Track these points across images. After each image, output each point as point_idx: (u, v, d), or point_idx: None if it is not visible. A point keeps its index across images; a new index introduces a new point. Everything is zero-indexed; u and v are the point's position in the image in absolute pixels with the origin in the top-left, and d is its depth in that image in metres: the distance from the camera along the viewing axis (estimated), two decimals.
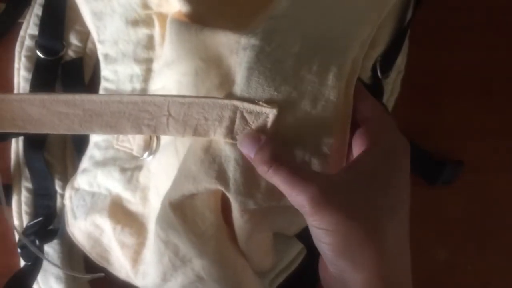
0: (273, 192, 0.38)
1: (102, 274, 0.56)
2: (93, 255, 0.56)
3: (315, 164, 0.38)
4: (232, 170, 0.39)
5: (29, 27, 0.60)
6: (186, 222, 0.42)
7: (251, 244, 0.45)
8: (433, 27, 0.62)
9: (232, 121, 0.38)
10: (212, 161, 0.39)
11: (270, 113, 0.37)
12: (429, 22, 0.62)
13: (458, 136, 0.63)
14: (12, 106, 0.43)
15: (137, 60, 0.53)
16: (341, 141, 0.38)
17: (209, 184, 0.39)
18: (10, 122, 0.43)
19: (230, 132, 0.38)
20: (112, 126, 0.41)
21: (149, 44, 0.52)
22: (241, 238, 0.44)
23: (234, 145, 0.39)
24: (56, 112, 0.42)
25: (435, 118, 0.63)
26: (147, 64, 0.53)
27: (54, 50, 0.59)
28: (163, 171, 0.48)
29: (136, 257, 0.52)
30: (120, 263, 0.54)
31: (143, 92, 0.52)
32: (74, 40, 0.60)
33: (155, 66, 0.52)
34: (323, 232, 0.35)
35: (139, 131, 0.40)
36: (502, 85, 0.63)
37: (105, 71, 0.56)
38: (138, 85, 0.54)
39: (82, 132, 0.43)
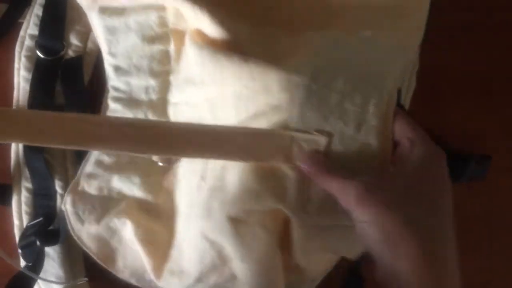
0: (326, 208, 0.45)
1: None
2: (99, 256, 0.57)
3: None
4: (291, 189, 0.46)
5: (29, 27, 0.60)
6: (239, 234, 0.47)
7: (309, 260, 0.51)
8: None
9: (290, 149, 0.44)
10: (274, 182, 0.46)
11: (321, 141, 0.44)
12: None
13: (457, 136, 0.63)
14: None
15: (152, 74, 0.56)
16: (384, 157, 0.45)
17: (271, 202, 0.46)
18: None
19: (289, 158, 0.45)
20: (175, 148, 0.47)
21: (165, 58, 0.56)
22: (297, 252, 0.50)
23: (293, 168, 0.46)
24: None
25: (436, 118, 0.63)
26: (163, 77, 0.56)
27: (54, 50, 0.59)
28: (189, 178, 0.53)
29: (162, 256, 0.54)
30: (125, 263, 0.56)
31: (161, 102, 0.57)
32: (74, 40, 0.60)
33: (172, 79, 0.56)
34: (366, 225, 0.41)
35: (202, 156, 0.47)
36: (502, 85, 0.63)
37: (115, 82, 0.58)
38: (154, 96, 0.57)
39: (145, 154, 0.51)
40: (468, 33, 0.63)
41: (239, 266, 0.48)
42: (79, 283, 0.59)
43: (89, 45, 0.61)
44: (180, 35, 0.56)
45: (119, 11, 0.56)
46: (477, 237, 0.61)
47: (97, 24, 0.57)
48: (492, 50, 0.63)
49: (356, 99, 0.44)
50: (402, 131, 0.45)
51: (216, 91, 0.49)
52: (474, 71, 0.63)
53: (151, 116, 0.57)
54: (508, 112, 0.63)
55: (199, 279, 0.51)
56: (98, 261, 0.56)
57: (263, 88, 0.45)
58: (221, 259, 0.49)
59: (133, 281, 0.56)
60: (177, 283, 0.53)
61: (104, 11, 0.56)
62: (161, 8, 0.55)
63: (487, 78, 0.63)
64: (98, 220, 0.56)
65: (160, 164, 0.56)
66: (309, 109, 0.44)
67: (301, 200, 0.46)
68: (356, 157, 0.45)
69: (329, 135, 0.44)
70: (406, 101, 0.59)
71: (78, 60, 0.60)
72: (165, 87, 0.57)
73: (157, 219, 0.56)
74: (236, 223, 0.47)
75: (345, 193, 0.42)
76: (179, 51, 0.56)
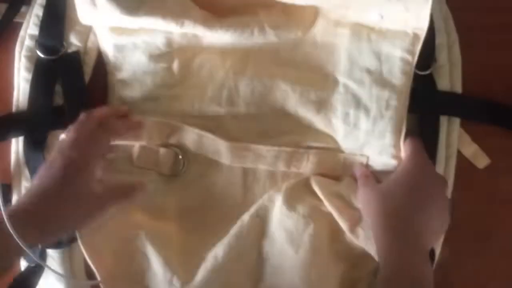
0: None
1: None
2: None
3: None
4: None
5: (29, 27, 0.60)
6: None
7: None
8: None
9: (345, 164, 0.61)
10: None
11: (364, 160, 0.60)
12: None
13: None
14: None
15: (156, 88, 0.60)
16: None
17: None
18: None
19: (345, 170, 0.61)
20: (271, 164, 0.61)
21: (168, 75, 0.60)
22: None
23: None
24: None
25: None
26: (165, 92, 0.61)
27: (54, 49, 0.60)
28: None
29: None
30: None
31: (167, 115, 0.61)
32: (74, 40, 0.60)
33: (175, 93, 0.61)
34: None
35: (288, 168, 0.61)
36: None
37: (121, 95, 0.61)
38: (159, 109, 0.61)
39: None
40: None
41: None
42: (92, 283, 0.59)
43: (89, 45, 0.61)
44: (184, 54, 0.60)
45: (129, 31, 0.59)
46: (477, 237, 0.61)
47: (106, 41, 0.60)
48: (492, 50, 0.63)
49: (376, 135, 0.58)
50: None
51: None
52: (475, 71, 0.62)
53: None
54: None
55: None
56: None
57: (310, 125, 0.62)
58: None
59: None
60: None
61: (114, 30, 0.59)
62: (168, 31, 0.58)
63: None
64: None
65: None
66: (348, 142, 0.60)
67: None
68: (381, 169, 0.60)
69: (367, 157, 0.60)
70: (457, 80, 0.60)
71: (76, 55, 0.60)
72: (170, 101, 0.61)
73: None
74: None
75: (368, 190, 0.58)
76: (182, 68, 0.60)
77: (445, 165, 0.60)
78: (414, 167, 0.56)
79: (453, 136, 0.61)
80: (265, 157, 0.60)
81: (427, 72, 0.59)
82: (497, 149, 0.61)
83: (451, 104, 0.60)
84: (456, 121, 0.61)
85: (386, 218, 0.53)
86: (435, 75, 0.60)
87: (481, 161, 0.62)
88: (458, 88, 0.61)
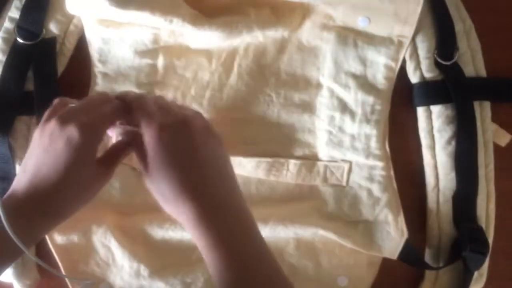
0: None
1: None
2: None
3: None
4: None
5: (11, 9, 0.60)
6: None
7: None
8: None
9: (325, 172, 0.60)
10: None
11: (346, 166, 0.60)
12: None
13: None
14: None
15: (138, 84, 0.60)
16: (387, 170, 0.60)
17: None
18: None
19: (324, 179, 0.60)
20: (251, 173, 0.60)
21: (152, 71, 0.60)
22: None
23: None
24: None
25: None
26: (149, 89, 0.60)
27: (33, 35, 0.59)
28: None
29: None
30: None
31: None
32: (53, 28, 0.60)
33: (157, 91, 0.60)
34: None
35: (268, 177, 0.60)
36: None
37: (101, 87, 0.60)
38: None
39: None
40: None
41: None
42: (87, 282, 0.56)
43: (68, 35, 0.61)
44: (169, 53, 0.61)
45: (116, 25, 0.59)
46: None
47: (92, 33, 0.60)
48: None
49: (362, 139, 0.60)
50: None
51: None
52: None
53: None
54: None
55: None
56: None
57: (298, 129, 0.61)
58: None
59: None
60: None
61: (102, 22, 0.60)
62: (156, 27, 0.59)
63: None
64: None
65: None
66: (333, 148, 0.60)
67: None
68: (366, 174, 0.60)
69: (350, 162, 0.60)
70: (479, 66, 0.61)
71: (52, 42, 0.59)
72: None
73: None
74: None
75: None
76: (167, 67, 0.60)
77: (484, 151, 0.59)
78: (154, 139, 0.45)
79: (487, 121, 0.60)
80: (244, 166, 0.59)
81: (453, 61, 0.59)
82: (497, 150, 0.60)
83: (482, 88, 0.60)
84: (487, 106, 0.60)
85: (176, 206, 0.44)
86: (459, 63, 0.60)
87: (503, 138, 0.62)
88: (483, 73, 0.61)
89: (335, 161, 0.60)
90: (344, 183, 0.60)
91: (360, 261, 0.59)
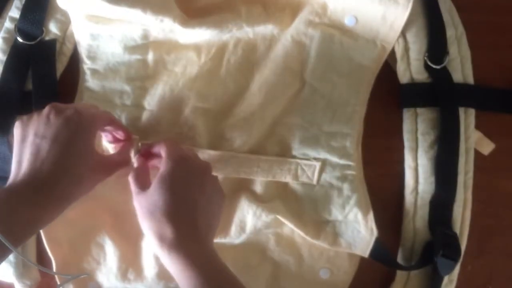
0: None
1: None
2: None
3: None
4: None
5: (11, 9, 0.61)
6: None
7: None
8: None
9: (296, 170, 0.60)
10: None
11: (317, 165, 0.60)
12: None
13: None
14: None
15: (128, 80, 0.60)
16: (358, 172, 0.61)
17: None
18: None
19: (295, 177, 0.60)
20: (220, 169, 0.60)
21: (142, 67, 0.60)
22: None
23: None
24: None
25: None
26: (139, 84, 0.60)
27: (33, 35, 0.60)
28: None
29: None
30: None
31: (136, 107, 0.61)
32: (53, 28, 0.61)
33: (148, 87, 0.60)
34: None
35: (238, 175, 0.60)
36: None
37: (91, 84, 0.61)
38: (128, 102, 0.60)
39: None
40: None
41: None
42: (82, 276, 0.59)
43: (68, 34, 0.61)
44: (159, 48, 0.60)
45: (106, 21, 0.59)
46: (477, 237, 0.61)
47: (81, 29, 0.60)
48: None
49: (338, 137, 0.60)
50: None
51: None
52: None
53: (124, 119, 0.60)
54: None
55: None
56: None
57: (276, 131, 0.61)
58: None
59: None
60: None
61: (91, 18, 0.59)
62: (146, 23, 0.59)
63: None
64: None
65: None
66: (307, 145, 0.60)
67: None
68: (340, 172, 0.61)
69: (322, 161, 0.60)
70: (468, 74, 0.61)
71: (52, 43, 0.60)
72: (140, 94, 0.60)
73: None
74: None
75: None
76: (156, 62, 0.60)
77: (465, 158, 0.60)
78: (170, 166, 0.50)
79: (471, 128, 0.61)
80: (214, 163, 0.59)
81: (442, 65, 0.60)
82: (497, 150, 0.61)
83: (469, 95, 0.61)
84: (472, 113, 0.61)
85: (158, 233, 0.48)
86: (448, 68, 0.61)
87: (486, 147, 0.62)
88: (471, 80, 0.62)
89: (307, 159, 0.60)
90: (314, 182, 0.60)
91: (341, 252, 0.61)
